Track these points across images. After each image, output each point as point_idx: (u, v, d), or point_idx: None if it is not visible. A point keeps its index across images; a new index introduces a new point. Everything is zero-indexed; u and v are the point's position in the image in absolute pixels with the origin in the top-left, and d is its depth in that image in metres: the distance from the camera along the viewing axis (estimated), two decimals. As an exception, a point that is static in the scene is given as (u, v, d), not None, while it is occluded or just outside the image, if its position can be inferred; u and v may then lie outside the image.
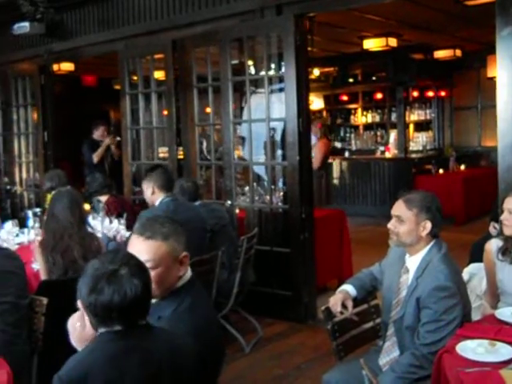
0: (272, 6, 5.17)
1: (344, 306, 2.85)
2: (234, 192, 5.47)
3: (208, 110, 6.22)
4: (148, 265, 1.99)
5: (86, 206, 4.42)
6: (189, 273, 2.18)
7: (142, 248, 2.08)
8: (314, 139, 7.49)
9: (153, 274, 2.01)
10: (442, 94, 11.45)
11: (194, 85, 5.85)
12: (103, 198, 5.10)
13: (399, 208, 2.74)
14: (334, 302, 2.86)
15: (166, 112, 6.21)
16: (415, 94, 11.05)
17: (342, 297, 2.87)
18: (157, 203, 4.05)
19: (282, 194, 5.53)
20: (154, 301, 2.06)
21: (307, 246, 5.12)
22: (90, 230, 3.70)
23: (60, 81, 9.06)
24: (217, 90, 5.67)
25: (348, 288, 2.96)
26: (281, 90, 5.33)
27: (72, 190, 3.75)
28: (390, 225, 2.76)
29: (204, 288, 3.83)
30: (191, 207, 4.29)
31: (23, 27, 6.85)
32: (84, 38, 6.92)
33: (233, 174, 5.49)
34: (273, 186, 5.49)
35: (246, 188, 5.86)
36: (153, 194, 4.09)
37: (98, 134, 7.78)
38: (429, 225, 2.69)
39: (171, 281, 2.12)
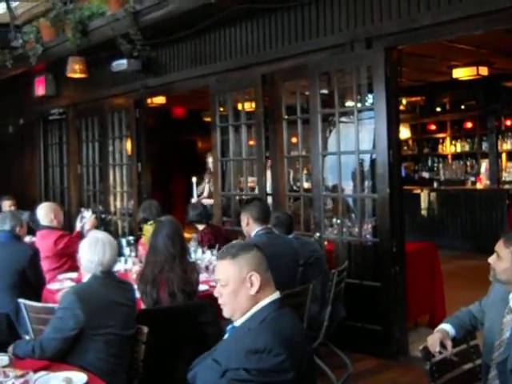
0: (362, 39, 5.20)
1: (443, 345, 2.78)
2: (323, 224, 5.47)
3: (294, 140, 6.29)
4: (221, 284, 2.26)
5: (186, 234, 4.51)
6: (275, 295, 2.28)
7: (217, 269, 2.34)
8: None
9: (225, 291, 2.25)
10: (538, 121, 10.98)
11: (284, 117, 5.95)
12: (200, 227, 5.22)
13: (499, 244, 2.73)
14: (433, 341, 2.79)
15: (254, 143, 6.34)
16: (508, 122, 10.66)
17: (440, 336, 2.80)
18: (252, 235, 4.10)
19: (370, 226, 5.47)
20: (242, 320, 2.25)
21: (398, 281, 5.01)
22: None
23: (152, 113, 9.46)
24: (305, 120, 5.76)
25: (446, 327, 2.89)
26: (369, 119, 5.32)
27: (172, 219, 3.81)
28: (490, 259, 2.76)
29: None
30: (285, 240, 4.32)
31: (121, 64, 7.24)
32: (177, 74, 7.21)
33: (322, 206, 5.50)
34: (361, 218, 5.44)
35: (334, 220, 5.84)
36: (247, 225, 4.13)
37: None
38: None
39: (242, 298, 2.24)
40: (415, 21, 4.81)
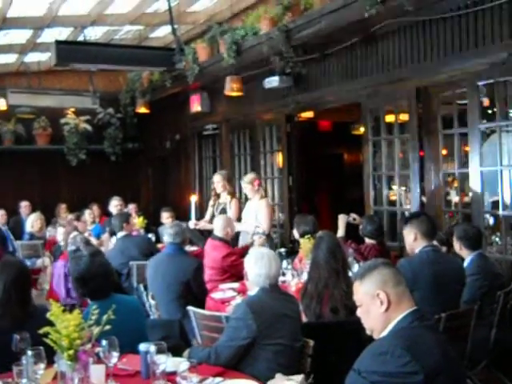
0: (526, 47, 4.96)
1: None
2: (484, 242, 5.25)
3: (443, 152, 6.10)
4: (358, 305, 2.40)
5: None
6: (411, 309, 2.30)
7: (353, 292, 2.45)
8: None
9: (361, 312, 2.39)
10: None
11: (440, 131, 5.81)
12: (368, 241, 5.19)
13: None
14: None
15: (405, 156, 6.24)
16: None
17: None
18: (416, 251, 3.99)
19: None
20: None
21: None
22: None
23: (299, 127, 9.63)
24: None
25: None
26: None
27: (331, 233, 3.85)
28: None
29: (457, 342, 3.76)
30: (450, 259, 4.20)
31: (273, 81, 7.46)
32: (327, 89, 7.27)
33: (482, 223, 5.28)
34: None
35: (493, 237, 5.59)
36: (415, 240, 4.00)
37: None
38: None
39: (374, 316, 2.33)
40: None
